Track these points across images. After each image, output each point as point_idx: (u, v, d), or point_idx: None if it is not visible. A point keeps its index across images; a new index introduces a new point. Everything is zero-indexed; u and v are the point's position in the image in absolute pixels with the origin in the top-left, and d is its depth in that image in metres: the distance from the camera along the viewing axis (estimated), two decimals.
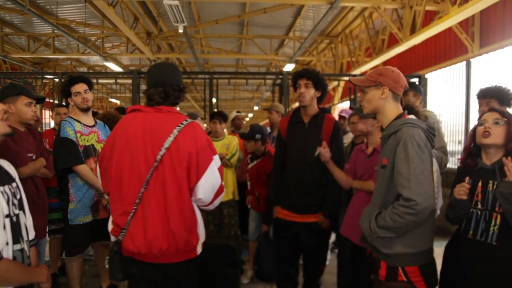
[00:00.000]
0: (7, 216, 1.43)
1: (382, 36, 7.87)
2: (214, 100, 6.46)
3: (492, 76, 5.53)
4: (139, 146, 1.76)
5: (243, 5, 7.65)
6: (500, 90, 2.68)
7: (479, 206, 1.78)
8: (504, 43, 5.23)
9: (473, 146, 1.88)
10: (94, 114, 3.39)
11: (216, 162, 1.84)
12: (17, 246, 1.47)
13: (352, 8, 7.92)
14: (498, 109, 1.82)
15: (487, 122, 1.79)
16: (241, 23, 9.01)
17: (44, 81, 9.99)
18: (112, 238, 1.87)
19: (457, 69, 6.36)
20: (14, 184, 1.55)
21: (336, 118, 3.60)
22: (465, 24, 5.88)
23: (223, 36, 9.77)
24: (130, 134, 1.79)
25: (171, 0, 5.13)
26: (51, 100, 6.81)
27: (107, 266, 1.83)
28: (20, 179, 1.69)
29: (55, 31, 8.67)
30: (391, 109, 1.84)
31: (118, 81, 9.97)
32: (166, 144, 1.73)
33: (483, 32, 5.74)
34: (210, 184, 1.82)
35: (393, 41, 7.36)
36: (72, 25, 8.88)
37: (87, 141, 2.89)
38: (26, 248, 1.53)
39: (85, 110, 2.91)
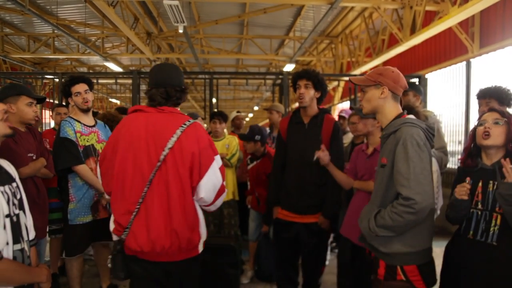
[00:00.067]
0: (7, 216, 1.43)
1: (382, 36, 7.87)
2: (214, 100, 6.46)
3: (492, 76, 5.53)
4: (142, 146, 1.78)
5: (243, 5, 7.65)
6: (499, 90, 2.68)
7: (480, 206, 1.78)
8: (504, 43, 5.22)
9: (473, 147, 1.88)
10: (94, 114, 3.40)
11: (217, 162, 1.87)
12: (17, 246, 1.47)
13: (352, 8, 7.92)
14: (498, 109, 1.83)
15: (487, 122, 1.79)
16: (241, 23, 9.01)
17: (44, 81, 9.99)
18: (114, 237, 1.88)
19: (457, 69, 6.36)
20: (14, 184, 1.55)
21: (336, 118, 3.60)
22: (465, 24, 5.88)
23: (223, 36, 9.77)
24: (133, 134, 1.80)
25: (171, 0, 5.13)
26: (51, 100, 6.81)
27: (109, 265, 1.85)
28: (21, 179, 1.69)
29: (55, 31, 8.66)
30: (390, 108, 1.84)
31: (118, 81, 9.98)
32: (169, 144, 1.75)
33: (483, 32, 5.74)
34: (212, 183, 1.84)
35: (393, 41, 7.36)
36: (72, 25, 8.88)
37: (87, 141, 2.89)
38: (26, 248, 1.53)
39: (85, 111, 2.92)
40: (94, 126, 2.99)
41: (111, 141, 1.87)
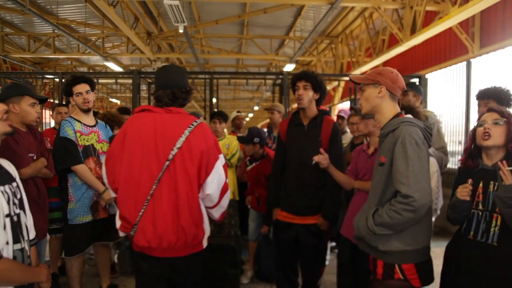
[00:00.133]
0: (7, 215, 1.43)
1: (382, 36, 7.87)
2: (214, 100, 6.46)
3: (492, 76, 5.53)
4: (151, 145, 1.84)
5: (244, 5, 7.65)
6: (498, 91, 2.68)
7: (480, 207, 1.78)
8: (504, 43, 5.22)
9: (474, 147, 1.88)
10: (94, 114, 3.40)
11: (221, 160, 1.96)
12: (18, 246, 1.47)
13: (352, 8, 7.92)
14: (497, 109, 1.82)
15: (486, 123, 1.79)
16: (241, 23, 9.01)
17: (45, 81, 9.99)
18: (121, 234, 1.94)
19: (457, 69, 6.36)
20: (14, 184, 1.55)
21: (335, 118, 3.59)
22: (465, 24, 5.88)
23: (223, 36, 9.77)
24: (141, 134, 1.86)
25: (171, 0, 5.13)
26: (51, 100, 6.81)
27: (116, 260, 1.89)
28: (21, 179, 1.70)
29: (56, 31, 8.67)
30: (388, 108, 1.87)
31: (118, 81, 9.98)
32: (178, 144, 1.83)
33: (483, 32, 5.74)
34: (216, 181, 1.92)
35: (394, 41, 7.36)
36: (72, 25, 8.88)
37: (87, 141, 2.89)
38: (26, 247, 1.53)
39: (85, 111, 2.92)
40: (94, 126, 2.99)
41: (118, 140, 1.92)
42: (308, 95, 2.64)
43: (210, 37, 9.88)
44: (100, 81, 7.29)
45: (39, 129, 4.63)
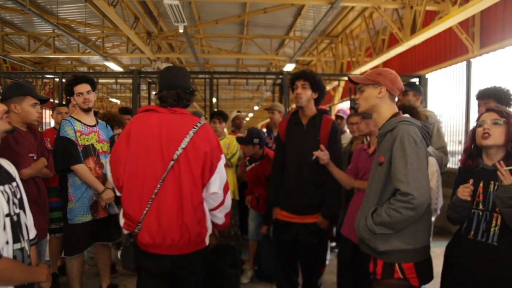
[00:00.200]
0: (7, 215, 1.43)
1: (382, 36, 7.87)
2: (214, 99, 6.46)
3: (492, 76, 5.53)
4: (156, 145, 1.87)
5: (244, 5, 7.65)
6: (498, 91, 2.68)
7: (481, 206, 1.78)
8: (504, 43, 5.22)
9: (474, 147, 1.88)
10: (94, 114, 3.40)
11: (223, 160, 2.02)
12: (17, 245, 1.47)
13: (352, 8, 7.92)
14: (496, 109, 1.82)
15: (486, 123, 1.79)
16: (242, 23, 9.01)
17: (45, 80, 9.99)
18: (124, 232, 1.96)
19: (457, 69, 6.36)
20: (14, 184, 1.55)
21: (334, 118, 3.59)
22: (465, 24, 5.88)
23: (223, 36, 9.77)
24: (146, 133, 1.89)
25: (171, 0, 5.13)
26: (51, 100, 6.81)
27: (119, 257, 1.95)
28: (22, 179, 1.69)
29: (56, 30, 8.67)
30: (386, 108, 1.88)
31: (118, 80, 9.97)
32: (183, 145, 1.86)
33: (483, 32, 5.74)
34: (219, 180, 1.97)
35: (394, 41, 7.35)
36: (72, 25, 8.88)
37: (87, 140, 2.90)
38: (26, 247, 1.53)
39: (86, 110, 2.92)
40: (95, 125, 2.99)
41: (123, 138, 1.94)
42: (306, 94, 2.65)
43: (210, 37, 9.88)
44: (100, 81, 7.29)
45: (39, 129, 4.63)
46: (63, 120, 2.88)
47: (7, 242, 1.41)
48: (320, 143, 2.62)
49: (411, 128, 1.75)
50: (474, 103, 4.54)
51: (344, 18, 8.64)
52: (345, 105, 10.99)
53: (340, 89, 11.62)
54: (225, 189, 2.03)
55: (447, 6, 5.12)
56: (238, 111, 4.91)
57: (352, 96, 6.81)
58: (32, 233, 1.63)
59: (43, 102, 2.74)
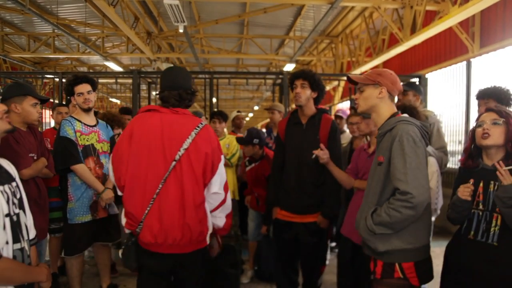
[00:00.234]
0: (7, 215, 1.43)
1: (382, 36, 7.86)
2: (214, 99, 6.46)
3: (492, 76, 5.53)
4: (158, 145, 1.89)
5: (244, 5, 7.65)
6: (498, 91, 2.68)
7: (481, 206, 1.78)
8: (504, 43, 5.22)
9: (474, 147, 1.88)
10: (94, 114, 3.40)
11: (223, 160, 2.05)
12: (17, 245, 1.47)
13: (352, 8, 7.92)
14: (495, 109, 1.82)
15: (485, 123, 1.79)
16: (242, 23, 9.00)
17: (45, 80, 9.99)
18: (126, 231, 1.98)
19: (457, 69, 6.36)
20: (14, 184, 1.55)
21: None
22: (465, 24, 5.88)
23: (223, 36, 9.77)
24: (148, 133, 1.91)
25: (171, 0, 5.13)
26: (51, 100, 6.81)
27: (121, 256, 1.96)
28: (22, 180, 1.69)
29: (56, 30, 8.67)
30: (386, 108, 1.89)
31: (118, 80, 9.97)
32: (185, 145, 1.89)
33: (483, 32, 5.74)
34: (220, 179, 2.00)
35: (394, 41, 7.35)
36: (72, 25, 8.88)
37: (87, 140, 2.90)
38: (26, 247, 1.53)
39: (86, 110, 2.92)
40: (95, 125, 2.99)
41: (125, 138, 1.95)
42: (305, 93, 2.65)
43: (210, 37, 9.87)
44: (100, 80, 7.30)
45: (39, 129, 4.63)
46: (63, 120, 2.88)
47: (7, 242, 1.41)
48: (319, 142, 2.62)
49: (410, 127, 1.75)
50: (474, 103, 4.55)
51: (344, 18, 8.64)
52: (345, 105, 11.00)
53: (340, 89, 11.62)
54: (225, 188, 2.05)
55: (447, 6, 5.12)
56: (238, 111, 4.91)
57: (352, 96, 6.80)
58: (32, 233, 1.63)
59: (44, 102, 2.74)
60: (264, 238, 3.63)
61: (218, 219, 2.08)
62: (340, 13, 8.43)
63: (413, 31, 6.07)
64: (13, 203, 1.50)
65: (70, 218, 2.84)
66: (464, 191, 1.78)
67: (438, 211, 2.71)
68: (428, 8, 5.68)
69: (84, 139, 2.88)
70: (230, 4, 7.56)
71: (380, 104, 1.89)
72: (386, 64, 8.96)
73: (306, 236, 2.70)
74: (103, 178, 2.92)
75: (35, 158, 2.67)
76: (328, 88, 11.63)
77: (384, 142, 1.81)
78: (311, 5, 7.39)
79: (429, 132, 1.87)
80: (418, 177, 1.68)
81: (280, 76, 6.65)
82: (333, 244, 4.49)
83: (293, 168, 2.72)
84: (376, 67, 8.50)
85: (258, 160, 3.60)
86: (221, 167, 2.02)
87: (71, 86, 2.87)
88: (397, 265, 1.76)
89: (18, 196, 1.56)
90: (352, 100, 6.80)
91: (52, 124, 4.28)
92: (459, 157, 5.70)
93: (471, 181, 1.80)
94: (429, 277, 1.84)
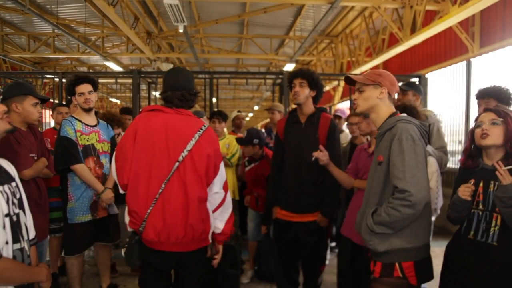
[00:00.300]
0: (6, 215, 1.43)
1: (382, 35, 7.86)
2: (214, 99, 6.46)
3: (492, 75, 5.53)
4: (162, 145, 1.91)
5: (243, 5, 7.65)
6: (498, 90, 2.68)
7: (481, 206, 1.78)
8: (504, 42, 5.22)
9: (473, 148, 1.88)
10: (95, 114, 3.40)
11: (223, 160, 2.11)
12: (17, 245, 1.47)
13: (352, 7, 7.92)
14: (494, 109, 1.83)
15: (484, 124, 1.80)
16: (241, 23, 9.00)
17: (44, 80, 9.99)
18: (129, 229, 1.99)
19: (457, 68, 6.36)
20: (13, 184, 1.55)
21: None
22: (465, 23, 5.88)
23: (223, 35, 9.77)
24: (153, 133, 1.93)
25: (171, 0, 5.13)
26: (51, 100, 6.81)
27: (123, 255, 1.97)
28: (23, 180, 1.69)
29: (55, 30, 8.67)
30: (385, 108, 1.90)
31: (118, 80, 9.98)
32: (189, 147, 1.92)
33: (483, 31, 5.74)
34: (220, 179, 2.05)
35: (393, 41, 7.35)
36: (72, 25, 8.88)
37: (87, 140, 2.90)
38: (26, 247, 1.53)
39: (87, 110, 2.92)
40: (95, 125, 2.99)
41: (129, 137, 1.97)
42: (304, 92, 2.66)
43: (210, 37, 9.87)
44: (100, 80, 7.28)
45: (39, 129, 4.63)
46: (64, 120, 2.88)
47: (6, 242, 1.41)
48: (318, 141, 2.62)
49: (410, 126, 1.76)
50: (474, 102, 4.56)
51: (344, 18, 8.64)
52: (345, 105, 11.00)
53: (340, 89, 11.62)
54: (225, 188, 2.08)
55: (447, 5, 5.12)
56: (239, 111, 4.91)
57: (352, 96, 6.80)
58: (32, 233, 1.63)
59: (44, 101, 2.74)
60: (265, 238, 3.63)
61: (218, 220, 2.09)
62: (340, 13, 8.43)
63: (413, 31, 6.07)
64: (13, 203, 1.50)
65: (70, 217, 2.84)
66: (465, 191, 1.77)
67: (438, 211, 2.71)
68: (428, 8, 5.68)
69: (84, 139, 2.88)
70: (230, 4, 7.56)
71: (380, 104, 1.89)
72: (386, 64, 8.96)
73: (306, 236, 2.70)
74: (103, 178, 2.92)
75: (35, 158, 2.67)
76: (328, 88, 11.63)
77: (384, 142, 1.82)
78: (311, 5, 7.39)
79: (428, 131, 1.87)
80: (417, 176, 1.68)
81: (280, 76, 6.65)
82: (333, 244, 4.50)
83: (292, 167, 2.72)
84: (376, 67, 8.51)
85: (258, 160, 3.60)
86: (222, 166, 2.06)
87: (72, 86, 2.87)
88: (397, 264, 1.76)
89: (17, 196, 1.56)
90: (352, 100, 6.80)
91: (52, 124, 4.28)
92: (459, 157, 5.70)
93: (472, 181, 1.80)
94: (429, 276, 1.84)
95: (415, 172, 1.68)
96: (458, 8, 4.84)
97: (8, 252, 1.42)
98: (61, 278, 3.51)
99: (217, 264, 2.18)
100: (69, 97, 2.97)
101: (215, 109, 5.11)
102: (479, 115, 1.88)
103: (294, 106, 2.85)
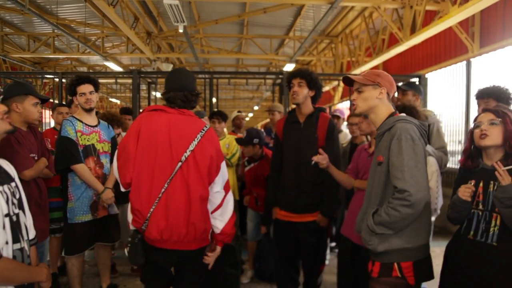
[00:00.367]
0: (6, 215, 1.43)
1: (382, 36, 7.86)
2: (214, 99, 6.46)
3: (492, 76, 5.53)
4: (165, 145, 1.93)
5: (243, 5, 7.65)
6: (498, 90, 2.68)
7: (480, 206, 1.78)
8: (504, 43, 5.22)
9: (473, 148, 1.88)
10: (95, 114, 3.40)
11: (224, 160, 2.12)
12: (17, 245, 1.47)
13: (352, 8, 7.92)
14: (492, 109, 1.83)
15: (482, 124, 1.80)
16: (241, 23, 9.00)
17: (44, 80, 9.99)
18: (131, 227, 2.01)
19: (457, 69, 6.36)
20: (13, 184, 1.55)
21: None
22: (465, 24, 5.88)
23: (223, 35, 9.77)
24: (156, 133, 1.95)
25: (171, 0, 5.13)
26: (51, 100, 6.81)
27: (126, 254, 1.99)
28: (23, 180, 1.69)
29: (55, 30, 8.67)
30: (384, 108, 1.90)
31: (118, 80, 9.98)
32: (191, 147, 1.95)
33: (483, 32, 5.74)
34: (222, 179, 2.07)
35: (393, 41, 7.35)
36: (72, 25, 8.88)
37: (88, 140, 2.90)
38: (26, 247, 1.53)
39: (88, 110, 2.93)
40: (96, 126, 3.00)
41: (132, 136, 1.98)
42: (303, 92, 2.66)
43: (210, 37, 9.87)
44: (100, 80, 7.26)
45: (39, 129, 4.62)
46: (65, 120, 2.89)
47: (6, 242, 1.41)
48: (317, 141, 2.62)
49: (409, 126, 1.76)
50: (474, 102, 4.56)
51: (344, 18, 8.64)
52: (345, 105, 11.00)
53: (340, 89, 11.62)
54: (226, 188, 2.10)
55: (447, 5, 5.12)
56: (239, 111, 4.91)
57: (351, 97, 6.80)
58: (32, 233, 1.63)
59: (44, 101, 2.74)
60: (265, 238, 3.63)
61: (218, 221, 2.09)
62: (340, 13, 8.43)
63: (413, 31, 6.07)
64: (13, 203, 1.50)
65: (70, 217, 2.84)
66: (465, 192, 1.77)
67: (438, 211, 2.71)
68: (428, 8, 5.68)
69: (84, 139, 2.88)
70: (230, 4, 7.56)
71: (379, 105, 1.89)
72: (386, 64, 8.96)
73: (306, 235, 2.70)
74: (103, 178, 2.92)
75: (35, 158, 2.67)
76: (328, 88, 11.64)
77: (383, 142, 1.82)
78: (311, 5, 7.39)
79: (427, 131, 1.87)
80: (416, 175, 1.68)
81: (280, 76, 6.65)
82: (333, 244, 4.50)
83: (291, 167, 2.72)
84: (376, 67, 8.51)
85: (257, 160, 3.60)
86: (223, 166, 2.08)
87: (74, 86, 2.88)
88: (395, 264, 1.76)
89: (17, 196, 1.56)
90: (352, 100, 6.80)
91: (52, 124, 4.28)
92: (459, 157, 5.70)
93: (472, 182, 1.80)
94: (428, 276, 1.84)
95: (415, 172, 1.68)
96: (458, 8, 4.84)
97: (8, 252, 1.42)
98: (61, 278, 3.51)
99: (217, 264, 2.18)
100: (70, 97, 2.97)
101: (215, 109, 5.11)
102: (478, 115, 1.88)
103: (293, 106, 2.85)
